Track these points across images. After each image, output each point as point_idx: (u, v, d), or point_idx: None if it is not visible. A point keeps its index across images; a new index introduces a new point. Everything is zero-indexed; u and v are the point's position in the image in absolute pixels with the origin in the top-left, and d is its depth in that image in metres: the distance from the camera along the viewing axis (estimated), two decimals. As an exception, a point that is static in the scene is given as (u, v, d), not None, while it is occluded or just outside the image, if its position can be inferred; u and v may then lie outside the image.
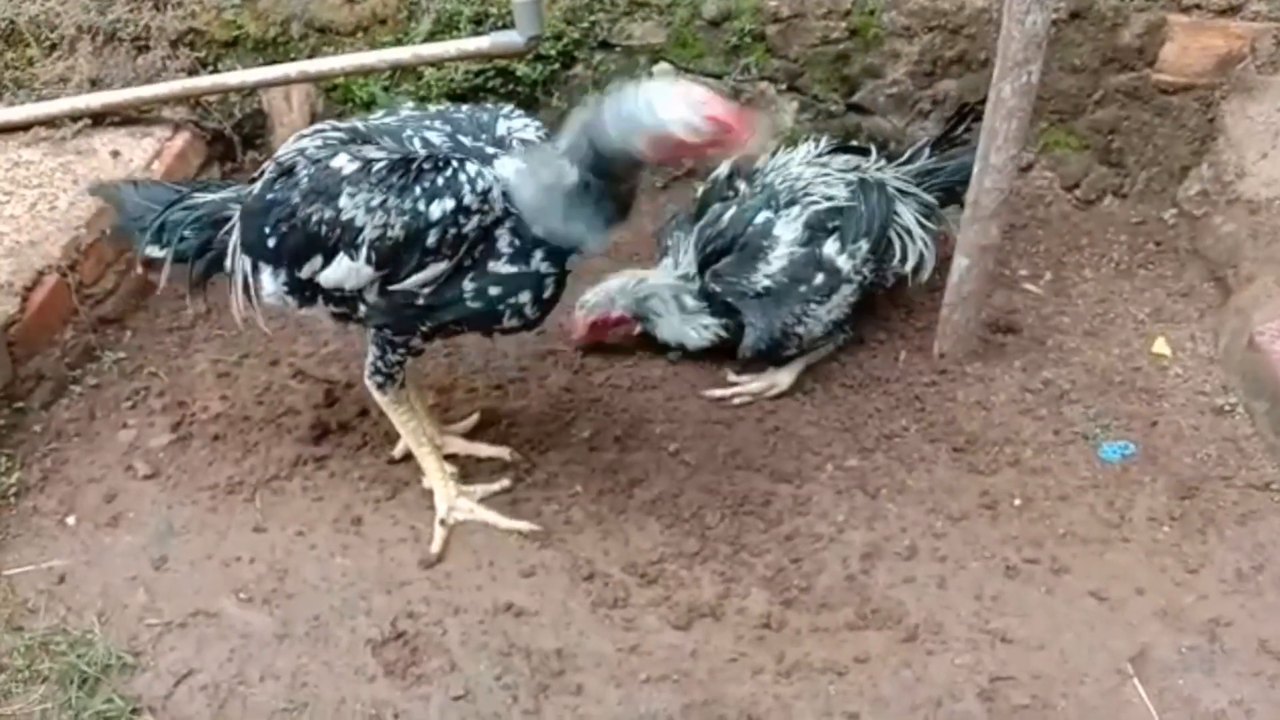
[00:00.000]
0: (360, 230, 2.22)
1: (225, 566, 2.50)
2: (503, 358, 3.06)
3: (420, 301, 2.29)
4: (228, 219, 2.50)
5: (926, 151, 3.19)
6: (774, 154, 3.10)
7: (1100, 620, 2.39)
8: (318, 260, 2.31)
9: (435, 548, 2.53)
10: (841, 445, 2.81)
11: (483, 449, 2.76)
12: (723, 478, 2.72)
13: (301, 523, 2.58)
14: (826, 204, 2.94)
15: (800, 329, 2.90)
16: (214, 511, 2.62)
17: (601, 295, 2.95)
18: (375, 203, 2.20)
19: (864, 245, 2.92)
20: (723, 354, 3.02)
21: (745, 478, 2.72)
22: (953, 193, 3.11)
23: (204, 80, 3.45)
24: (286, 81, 3.41)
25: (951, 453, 2.78)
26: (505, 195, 2.20)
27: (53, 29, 3.56)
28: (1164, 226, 3.50)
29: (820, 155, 3.08)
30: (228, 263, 2.50)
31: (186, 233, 2.55)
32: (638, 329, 3.01)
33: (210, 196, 2.60)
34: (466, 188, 2.17)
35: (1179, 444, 2.80)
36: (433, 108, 2.55)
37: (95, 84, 3.51)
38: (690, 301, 2.96)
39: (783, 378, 2.97)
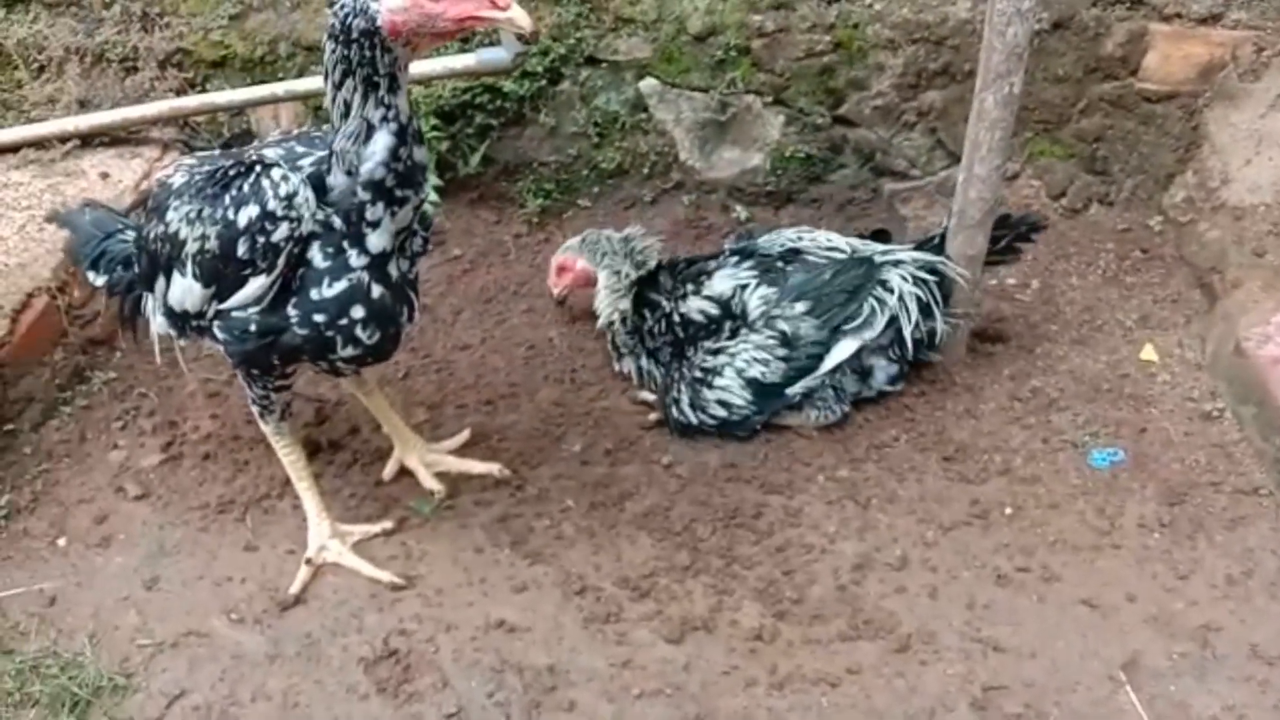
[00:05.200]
0: (184, 244, 2.17)
1: (217, 586, 2.50)
2: (493, 373, 3.07)
3: (253, 328, 2.18)
4: None
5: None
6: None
7: (1092, 628, 2.40)
8: (162, 281, 2.29)
9: (295, 588, 2.46)
10: (832, 456, 2.82)
11: (474, 466, 2.75)
12: (714, 490, 2.72)
13: (293, 541, 2.58)
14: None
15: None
16: (205, 531, 2.62)
17: (573, 242, 3.15)
18: (194, 214, 2.15)
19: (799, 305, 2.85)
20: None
21: (736, 490, 2.73)
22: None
23: (192, 100, 3.46)
24: (274, 100, 3.42)
25: (941, 462, 2.79)
26: (316, 196, 2.07)
27: (41, 50, 3.58)
28: (1150, 234, 3.53)
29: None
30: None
31: (118, 266, 2.55)
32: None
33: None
34: (269, 192, 2.06)
35: (1168, 450, 2.81)
36: (298, 130, 2.46)
37: (84, 105, 3.54)
38: (628, 272, 3.03)
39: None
